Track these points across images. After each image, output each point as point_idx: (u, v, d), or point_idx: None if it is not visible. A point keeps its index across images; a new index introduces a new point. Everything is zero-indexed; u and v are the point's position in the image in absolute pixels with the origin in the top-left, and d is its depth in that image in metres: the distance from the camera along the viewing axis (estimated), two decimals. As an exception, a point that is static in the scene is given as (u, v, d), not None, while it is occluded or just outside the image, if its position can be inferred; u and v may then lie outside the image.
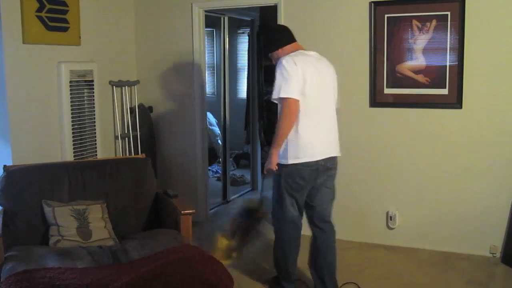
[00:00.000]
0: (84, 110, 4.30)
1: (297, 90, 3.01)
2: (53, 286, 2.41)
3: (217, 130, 7.09)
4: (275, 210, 3.38)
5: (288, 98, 2.99)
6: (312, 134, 3.10)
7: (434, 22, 3.93)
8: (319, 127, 3.14)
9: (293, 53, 3.15)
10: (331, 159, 3.21)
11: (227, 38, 5.79)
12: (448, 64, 3.92)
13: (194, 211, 3.25)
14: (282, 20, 4.42)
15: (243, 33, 7.68)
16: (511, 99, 3.81)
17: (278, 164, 3.15)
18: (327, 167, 3.18)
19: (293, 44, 3.26)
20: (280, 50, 3.25)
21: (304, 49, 3.26)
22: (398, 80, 4.10)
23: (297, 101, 3.01)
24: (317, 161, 3.12)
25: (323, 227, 3.34)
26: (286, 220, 3.30)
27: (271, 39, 3.33)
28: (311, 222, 3.39)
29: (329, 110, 3.21)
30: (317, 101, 3.11)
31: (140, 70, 5.08)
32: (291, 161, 3.10)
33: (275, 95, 3.05)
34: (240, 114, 6.82)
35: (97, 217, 3.15)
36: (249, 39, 6.32)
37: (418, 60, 4.02)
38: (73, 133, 4.17)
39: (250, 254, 3.96)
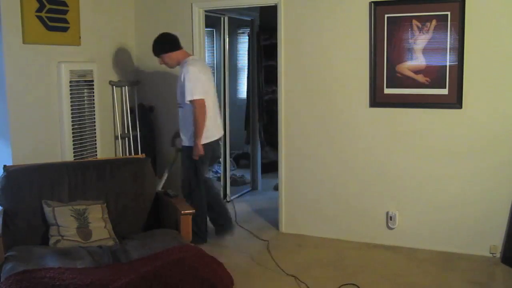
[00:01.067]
0: (84, 110, 4.30)
1: (203, 92, 4.08)
2: (53, 286, 2.41)
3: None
4: None
5: (199, 99, 4.05)
6: (211, 122, 4.19)
7: (434, 22, 3.93)
8: (213, 118, 4.23)
9: (190, 60, 4.17)
10: (220, 138, 4.48)
11: (227, 38, 5.79)
12: (448, 64, 3.92)
13: (194, 211, 3.26)
14: (282, 20, 4.42)
15: (243, 33, 7.67)
16: (511, 99, 3.81)
17: None
18: (219, 142, 4.46)
19: (182, 50, 4.26)
20: (172, 53, 4.22)
21: (187, 55, 4.28)
22: (398, 80, 4.10)
23: (201, 98, 4.05)
24: (216, 140, 4.33)
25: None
26: None
27: (163, 43, 4.24)
28: None
29: (217, 105, 4.33)
30: (211, 100, 4.20)
31: (140, 70, 5.08)
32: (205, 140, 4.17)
33: (186, 98, 4.07)
34: (240, 114, 6.81)
35: (97, 217, 3.15)
36: (249, 39, 6.32)
37: (418, 60, 4.02)
38: (73, 133, 4.17)
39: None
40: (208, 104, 4.06)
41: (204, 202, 4.25)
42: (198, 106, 3.98)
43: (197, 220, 4.10)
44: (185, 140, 4.18)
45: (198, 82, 3.99)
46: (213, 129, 4.17)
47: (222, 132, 4.41)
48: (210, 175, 4.76)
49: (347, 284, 3.51)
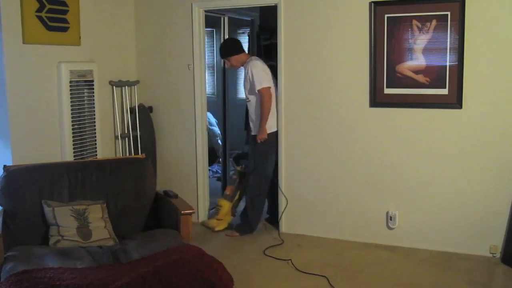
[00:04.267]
0: (84, 110, 4.30)
1: (266, 80, 4.45)
2: (53, 286, 2.41)
3: (217, 130, 7.09)
4: None
5: (266, 87, 4.44)
6: (274, 113, 4.60)
7: (434, 22, 3.93)
8: (275, 110, 4.59)
9: (253, 59, 4.55)
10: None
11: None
12: (448, 64, 3.92)
13: (194, 211, 3.26)
14: (282, 20, 4.42)
15: (243, 33, 7.67)
16: (511, 99, 3.81)
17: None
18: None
19: (247, 53, 4.69)
20: (239, 55, 4.63)
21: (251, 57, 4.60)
22: (398, 80, 4.10)
23: (268, 87, 4.45)
24: (276, 131, 4.61)
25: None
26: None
27: (232, 46, 4.71)
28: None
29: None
30: (273, 90, 4.55)
31: (140, 70, 5.08)
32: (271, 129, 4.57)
33: (256, 88, 4.44)
34: (240, 114, 6.81)
35: (97, 217, 3.15)
36: (249, 39, 6.32)
37: (418, 60, 4.02)
38: (73, 133, 4.17)
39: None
40: (273, 95, 4.48)
41: (265, 194, 4.66)
42: (265, 94, 4.38)
43: (255, 208, 4.59)
44: (254, 130, 4.57)
45: (264, 73, 4.42)
46: (274, 120, 4.51)
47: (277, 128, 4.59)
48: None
49: (317, 275, 3.58)
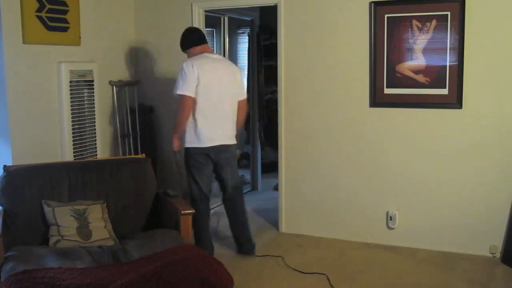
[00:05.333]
0: (84, 110, 4.30)
1: (190, 89, 3.71)
2: (53, 286, 2.41)
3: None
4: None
5: (182, 94, 3.71)
6: (202, 125, 3.78)
7: (434, 22, 3.93)
8: (209, 121, 3.79)
9: (196, 56, 3.84)
10: (224, 146, 3.89)
11: (227, 38, 5.80)
12: (448, 64, 3.92)
13: (194, 211, 3.26)
14: (282, 20, 4.42)
15: (243, 33, 7.67)
16: (511, 99, 3.81)
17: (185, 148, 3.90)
18: (220, 151, 3.87)
19: (202, 46, 3.91)
20: (190, 50, 3.93)
21: (208, 52, 3.90)
22: (398, 80, 4.10)
23: (190, 97, 3.72)
24: (207, 147, 3.82)
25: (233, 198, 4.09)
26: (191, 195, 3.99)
27: (182, 40, 3.98)
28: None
29: (221, 107, 3.84)
30: (208, 100, 3.77)
31: (140, 70, 5.08)
32: (188, 145, 3.86)
33: (174, 91, 3.77)
34: (240, 114, 6.81)
35: (97, 217, 3.15)
36: (249, 39, 6.32)
37: (418, 60, 4.02)
38: (73, 133, 4.17)
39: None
40: (202, 105, 3.74)
41: (201, 216, 3.87)
42: (179, 101, 3.74)
43: (195, 234, 3.88)
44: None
45: (186, 78, 3.69)
46: (207, 133, 3.79)
47: (225, 142, 3.88)
48: (235, 180, 4.12)
49: (316, 273, 3.62)
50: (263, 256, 4.04)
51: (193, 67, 3.71)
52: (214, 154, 3.86)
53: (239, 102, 3.98)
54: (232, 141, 3.95)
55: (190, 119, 3.78)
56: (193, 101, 3.73)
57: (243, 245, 4.09)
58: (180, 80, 3.72)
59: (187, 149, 3.86)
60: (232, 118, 3.93)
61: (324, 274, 3.64)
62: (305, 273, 3.70)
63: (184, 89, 3.70)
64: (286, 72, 4.48)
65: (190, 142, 3.82)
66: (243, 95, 4.05)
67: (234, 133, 3.97)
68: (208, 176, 3.94)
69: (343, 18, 4.22)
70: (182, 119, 3.76)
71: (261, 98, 6.23)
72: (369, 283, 3.56)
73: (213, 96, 3.78)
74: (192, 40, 3.92)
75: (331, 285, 3.50)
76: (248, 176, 6.42)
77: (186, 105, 3.71)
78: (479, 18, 3.80)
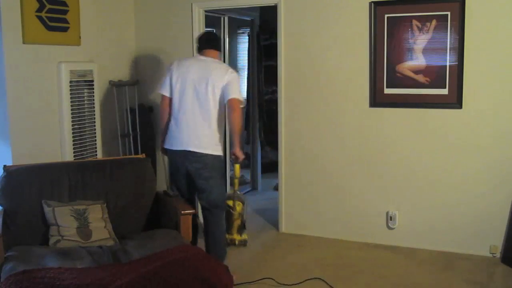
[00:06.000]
0: (84, 110, 4.30)
1: (166, 88, 3.62)
2: (53, 286, 2.41)
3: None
4: None
5: (160, 93, 3.66)
6: (173, 128, 3.58)
7: (434, 22, 3.93)
8: (179, 124, 3.55)
9: (185, 57, 3.78)
10: (191, 153, 3.51)
11: (227, 38, 5.79)
12: (448, 64, 3.92)
13: (194, 211, 3.26)
14: (282, 20, 4.42)
15: (243, 33, 7.67)
16: (510, 99, 3.81)
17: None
18: (186, 158, 3.53)
19: (206, 50, 3.67)
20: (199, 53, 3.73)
21: (204, 56, 3.64)
22: (398, 80, 4.10)
23: (163, 95, 3.63)
24: (176, 150, 3.57)
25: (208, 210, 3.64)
26: None
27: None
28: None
29: (192, 110, 3.53)
30: (178, 101, 3.56)
31: (140, 70, 5.08)
32: (165, 145, 3.68)
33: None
34: (240, 114, 6.80)
35: (97, 217, 3.15)
36: (249, 39, 6.32)
37: (418, 60, 4.02)
38: (73, 133, 4.17)
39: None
40: (174, 105, 3.58)
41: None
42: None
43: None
44: None
45: (165, 77, 3.65)
46: (173, 135, 3.59)
47: (192, 149, 3.50)
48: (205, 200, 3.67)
49: (312, 279, 3.57)
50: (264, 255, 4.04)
51: (171, 66, 3.64)
52: (181, 160, 3.55)
53: (229, 102, 3.47)
54: (206, 150, 3.49)
55: (170, 118, 3.62)
56: (169, 100, 3.62)
57: None
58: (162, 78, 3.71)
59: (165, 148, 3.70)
60: (212, 124, 3.51)
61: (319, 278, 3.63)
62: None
63: (160, 87, 3.68)
64: (286, 72, 4.48)
65: (165, 142, 3.67)
66: (231, 95, 3.47)
67: (214, 141, 3.53)
68: (181, 180, 3.66)
69: (343, 18, 4.22)
70: (160, 117, 3.76)
71: (261, 98, 6.23)
72: (369, 283, 3.56)
73: (186, 97, 3.52)
74: (199, 45, 3.74)
75: (328, 284, 3.51)
76: (248, 176, 6.43)
77: (160, 103, 3.70)
78: (479, 18, 3.80)
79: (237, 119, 3.49)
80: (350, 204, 4.37)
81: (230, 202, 4.23)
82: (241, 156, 3.58)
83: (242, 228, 4.34)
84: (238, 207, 4.29)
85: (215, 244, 3.62)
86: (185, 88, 3.53)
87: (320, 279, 3.59)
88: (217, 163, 3.58)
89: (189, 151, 3.50)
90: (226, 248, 3.77)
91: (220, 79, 3.49)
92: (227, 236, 4.07)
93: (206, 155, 3.50)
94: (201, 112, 3.50)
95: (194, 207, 3.63)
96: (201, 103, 3.50)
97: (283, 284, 3.53)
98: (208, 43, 3.69)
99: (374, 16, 4.09)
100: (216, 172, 3.57)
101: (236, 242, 4.30)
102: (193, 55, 4.79)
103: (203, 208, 3.66)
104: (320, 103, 4.38)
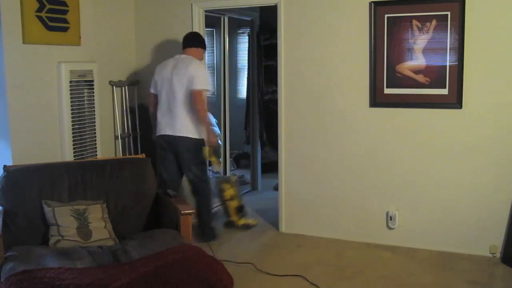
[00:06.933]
0: (84, 110, 4.30)
1: (152, 86, 4.35)
2: (53, 286, 2.41)
3: (217, 130, 7.08)
4: None
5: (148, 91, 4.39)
6: (158, 116, 4.27)
7: (434, 22, 3.93)
8: (160, 113, 4.25)
9: (167, 58, 4.36)
10: (170, 137, 4.20)
11: (227, 38, 5.80)
12: (448, 64, 3.92)
13: (194, 211, 3.26)
14: (282, 20, 4.42)
15: (243, 33, 7.67)
16: (511, 99, 3.81)
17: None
18: (169, 142, 4.22)
19: (185, 49, 4.32)
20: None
21: (183, 54, 4.29)
22: (398, 80, 4.10)
23: (150, 93, 4.36)
24: (160, 135, 4.25)
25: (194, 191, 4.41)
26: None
27: None
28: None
29: (167, 102, 4.21)
30: (160, 94, 4.26)
31: (140, 70, 5.09)
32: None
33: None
34: (240, 114, 6.82)
35: (97, 217, 3.15)
36: (249, 39, 6.32)
37: (418, 60, 4.02)
38: (73, 133, 4.17)
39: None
40: (160, 100, 4.26)
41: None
42: None
43: None
44: None
45: (153, 76, 4.37)
46: (159, 124, 4.28)
47: (168, 132, 4.20)
48: (211, 174, 4.78)
49: (294, 275, 3.60)
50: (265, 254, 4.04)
51: (156, 67, 4.36)
52: (166, 143, 4.24)
53: (191, 94, 4.10)
54: (182, 133, 4.15)
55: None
56: (154, 97, 4.33)
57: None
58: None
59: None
60: (185, 111, 4.14)
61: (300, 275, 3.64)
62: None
63: (150, 86, 4.37)
64: (286, 72, 4.48)
65: (154, 132, 4.36)
66: (192, 87, 4.08)
67: (190, 126, 4.16)
68: (168, 165, 4.33)
69: (343, 18, 4.22)
70: (149, 112, 4.44)
71: (261, 98, 6.23)
72: (369, 283, 3.56)
73: (163, 90, 4.22)
74: (183, 44, 4.38)
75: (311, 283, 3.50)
76: (248, 176, 6.42)
77: (148, 100, 4.44)
78: (479, 18, 3.80)
79: (198, 107, 4.11)
80: (350, 204, 4.37)
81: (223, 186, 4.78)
82: (212, 140, 4.26)
83: (241, 211, 4.78)
84: (227, 189, 4.77)
85: (203, 214, 4.40)
86: (162, 83, 4.22)
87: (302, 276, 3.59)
88: (192, 145, 4.22)
89: (169, 135, 4.20)
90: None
91: (184, 73, 4.12)
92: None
93: (185, 137, 4.17)
94: (174, 104, 4.15)
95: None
96: (173, 96, 4.15)
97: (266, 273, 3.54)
98: (187, 41, 4.34)
99: (374, 16, 4.09)
100: (190, 153, 4.24)
101: (237, 225, 4.73)
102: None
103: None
104: (320, 103, 4.38)
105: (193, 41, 4.33)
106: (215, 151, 4.40)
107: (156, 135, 4.31)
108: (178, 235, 3.14)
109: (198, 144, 4.21)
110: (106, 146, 4.68)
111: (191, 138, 4.17)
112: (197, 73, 4.10)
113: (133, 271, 2.58)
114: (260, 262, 3.92)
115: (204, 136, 4.22)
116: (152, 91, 4.34)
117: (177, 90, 4.13)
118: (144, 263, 2.69)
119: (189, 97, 4.10)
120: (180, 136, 4.17)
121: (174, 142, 4.20)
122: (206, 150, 4.25)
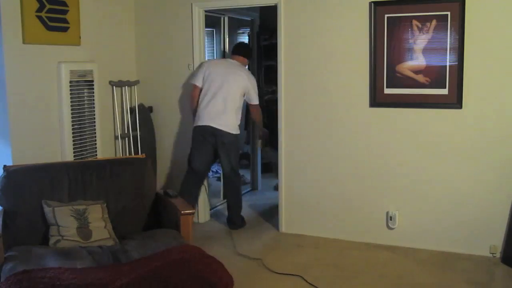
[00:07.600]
0: (84, 110, 4.30)
1: (197, 79, 4.60)
2: (53, 286, 2.41)
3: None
4: None
5: (192, 83, 4.67)
6: (202, 108, 4.55)
7: (434, 22, 3.93)
8: (206, 105, 4.54)
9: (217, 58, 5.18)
10: (218, 130, 4.51)
11: (227, 38, 5.80)
12: (448, 64, 3.92)
13: (194, 211, 3.26)
14: (282, 20, 4.42)
15: (243, 33, 7.67)
16: (511, 99, 3.81)
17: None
18: (214, 133, 4.51)
19: (233, 56, 4.78)
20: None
21: (233, 60, 4.72)
22: (398, 80, 4.10)
23: (195, 85, 4.62)
24: (204, 126, 4.52)
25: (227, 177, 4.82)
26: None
27: None
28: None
29: (226, 97, 4.52)
30: (208, 88, 4.54)
31: (140, 70, 5.08)
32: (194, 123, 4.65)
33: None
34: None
35: (97, 217, 3.15)
36: (249, 39, 6.32)
37: (418, 60, 4.02)
38: (73, 133, 4.17)
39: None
40: (205, 92, 4.55)
41: (191, 188, 4.65)
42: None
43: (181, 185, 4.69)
44: None
45: (197, 70, 4.66)
46: (201, 115, 4.53)
47: (212, 124, 4.50)
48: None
49: (292, 275, 3.60)
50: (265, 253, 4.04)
51: (204, 63, 4.69)
52: (209, 134, 4.52)
53: (251, 107, 4.78)
54: (228, 128, 4.52)
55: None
56: (199, 90, 4.61)
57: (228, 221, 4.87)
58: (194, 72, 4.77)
59: (194, 127, 4.62)
60: (235, 109, 4.57)
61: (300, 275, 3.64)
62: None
63: (194, 78, 4.64)
64: (286, 72, 4.48)
65: (194, 121, 4.61)
66: (252, 101, 4.71)
67: (235, 123, 4.60)
68: (203, 155, 4.61)
69: (343, 18, 4.22)
70: (190, 103, 4.73)
71: (261, 98, 6.22)
72: (369, 283, 3.56)
73: (214, 85, 4.53)
74: (232, 51, 4.87)
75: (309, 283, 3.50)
76: (248, 176, 6.42)
77: (192, 91, 4.66)
78: (479, 18, 3.81)
79: (258, 119, 4.99)
80: (350, 204, 4.37)
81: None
82: (265, 135, 5.40)
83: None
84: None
85: (232, 204, 4.83)
86: (215, 79, 4.51)
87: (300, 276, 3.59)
88: (235, 139, 4.63)
89: (211, 127, 4.50)
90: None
91: (241, 78, 4.55)
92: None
93: (227, 132, 4.53)
94: (227, 101, 4.50)
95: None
96: (228, 94, 4.50)
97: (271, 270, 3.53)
98: (236, 50, 4.79)
99: (374, 16, 4.09)
100: (233, 145, 4.62)
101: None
102: (193, 55, 4.84)
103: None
104: (320, 103, 4.38)
105: (242, 50, 4.81)
106: (265, 142, 5.67)
107: (199, 124, 4.52)
108: (178, 235, 3.14)
109: (238, 139, 4.67)
110: (106, 146, 4.68)
111: (235, 134, 4.58)
112: (254, 86, 4.63)
113: (133, 271, 2.58)
114: (260, 262, 3.93)
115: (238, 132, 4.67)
116: (197, 83, 4.57)
117: (233, 91, 4.51)
118: (144, 263, 2.69)
119: (240, 99, 4.58)
120: (227, 132, 4.51)
121: (220, 134, 4.50)
122: (259, 142, 5.53)
